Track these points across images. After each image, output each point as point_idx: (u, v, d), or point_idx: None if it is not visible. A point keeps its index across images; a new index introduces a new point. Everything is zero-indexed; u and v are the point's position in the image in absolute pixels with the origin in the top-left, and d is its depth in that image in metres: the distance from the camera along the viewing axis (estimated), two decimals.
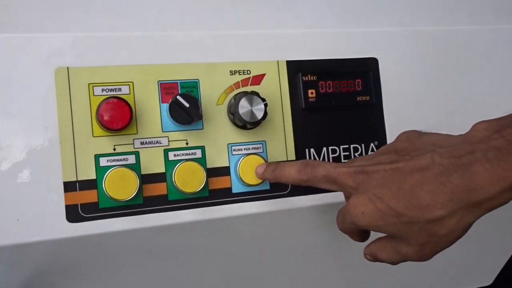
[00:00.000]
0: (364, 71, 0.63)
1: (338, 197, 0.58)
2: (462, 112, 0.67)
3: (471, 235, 0.47)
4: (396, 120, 0.64)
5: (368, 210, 0.46)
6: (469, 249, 0.74)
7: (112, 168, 0.52)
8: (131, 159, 0.54)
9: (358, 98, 0.63)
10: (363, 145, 0.63)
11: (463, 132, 0.47)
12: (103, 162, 0.52)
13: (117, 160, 0.53)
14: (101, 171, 0.52)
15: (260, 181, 0.57)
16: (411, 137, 0.49)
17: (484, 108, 0.67)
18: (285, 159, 0.60)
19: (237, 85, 0.58)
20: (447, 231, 0.44)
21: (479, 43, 0.68)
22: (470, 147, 0.43)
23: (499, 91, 0.69)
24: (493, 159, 0.41)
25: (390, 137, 0.64)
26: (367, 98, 0.63)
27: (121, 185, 0.51)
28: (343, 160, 0.62)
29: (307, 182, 0.52)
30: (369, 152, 0.63)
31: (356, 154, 0.63)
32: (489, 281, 0.82)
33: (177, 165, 0.54)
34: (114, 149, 0.53)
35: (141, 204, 0.54)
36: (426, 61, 0.66)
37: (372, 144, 0.63)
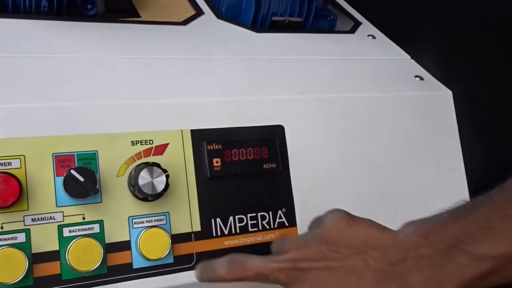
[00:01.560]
0: (270, 139, 0.63)
1: None
2: (368, 176, 0.68)
3: None
4: (304, 187, 0.65)
5: None
6: None
7: None
8: (21, 238, 0.50)
9: (264, 166, 0.63)
10: (270, 212, 0.63)
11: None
12: None
13: (4, 239, 0.50)
14: None
15: (163, 254, 0.55)
16: (341, 227, 0.48)
17: (389, 172, 0.69)
18: (190, 231, 0.58)
19: (138, 155, 0.57)
20: None
21: (382, 109, 0.71)
22: (402, 253, 0.43)
23: (403, 154, 0.71)
24: (425, 270, 0.41)
25: (298, 204, 0.64)
26: (274, 165, 0.63)
27: (7, 267, 0.48)
28: (250, 229, 0.61)
29: (239, 280, 0.51)
30: (277, 219, 0.63)
31: (264, 222, 0.62)
32: None
33: (71, 242, 0.51)
34: (2, 228, 0.50)
35: (31, 286, 0.50)
36: (332, 127, 0.68)
37: (280, 212, 0.63)
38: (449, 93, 0.73)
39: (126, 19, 0.67)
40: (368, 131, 0.69)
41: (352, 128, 0.68)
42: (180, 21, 0.70)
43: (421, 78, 0.75)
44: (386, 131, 0.70)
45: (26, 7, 0.61)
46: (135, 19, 0.68)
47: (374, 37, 0.82)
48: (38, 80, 0.57)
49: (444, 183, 0.71)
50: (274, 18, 0.71)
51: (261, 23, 0.72)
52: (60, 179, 0.52)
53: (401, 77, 0.74)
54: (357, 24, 0.84)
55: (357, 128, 0.69)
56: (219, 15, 0.73)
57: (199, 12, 0.73)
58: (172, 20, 0.70)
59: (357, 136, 0.68)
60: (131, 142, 0.56)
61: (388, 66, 0.76)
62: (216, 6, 0.73)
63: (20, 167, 0.52)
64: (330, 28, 0.80)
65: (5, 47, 0.60)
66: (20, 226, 0.51)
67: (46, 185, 0.52)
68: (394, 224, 0.48)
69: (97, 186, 0.52)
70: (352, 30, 0.82)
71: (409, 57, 0.80)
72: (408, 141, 0.71)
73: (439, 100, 0.73)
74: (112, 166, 0.55)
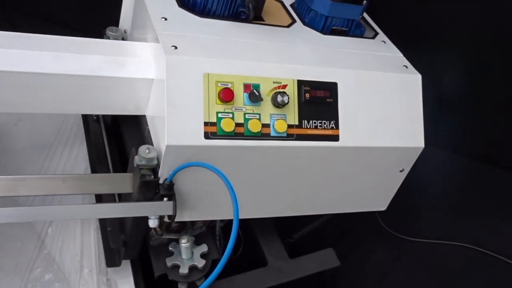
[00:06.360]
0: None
1: None
2: None
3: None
4: None
5: None
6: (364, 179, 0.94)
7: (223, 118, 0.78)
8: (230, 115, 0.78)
9: None
10: None
11: None
12: (220, 115, 0.77)
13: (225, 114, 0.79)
14: (219, 118, 0.77)
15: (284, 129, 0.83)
16: None
17: None
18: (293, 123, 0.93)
19: (277, 87, 0.79)
20: None
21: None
22: None
23: None
24: None
25: None
26: None
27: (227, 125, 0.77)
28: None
29: None
30: None
31: None
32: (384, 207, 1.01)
33: (249, 121, 0.85)
34: (224, 110, 0.78)
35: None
36: None
37: None
38: (419, 76, 0.89)
39: (260, 22, 1.00)
40: None
41: None
42: (285, 25, 0.96)
43: (406, 67, 0.92)
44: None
45: (217, 12, 0.91)
46: (264, 22, 0.96)
47: (384, 42, 0.99)
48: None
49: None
50: (333, 27, 1.26)
51: (326, 30, 1.20)
52: (246, 94, 0.79)
53: (395, 64, 0.93)
54: (376, 33, 1.00)
55: None
56: (305, 23, 0.94)
57: (294, 21, 0.95)
58: (282, 24, 0.96)
59: None
60: (273, 82, 0.81)
61: (388, 58, 0.95)
62: (302, 17, 1.14)
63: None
64: (361, 35, 1.00)
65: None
66: (231, 110, 0.77)
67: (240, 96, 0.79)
68: None
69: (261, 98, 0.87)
70: (373, 37, 0.99)
71: (402, 55, 0.96)
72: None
73: (412, 80, 0.90)
74: (265, 91, 0.79)
